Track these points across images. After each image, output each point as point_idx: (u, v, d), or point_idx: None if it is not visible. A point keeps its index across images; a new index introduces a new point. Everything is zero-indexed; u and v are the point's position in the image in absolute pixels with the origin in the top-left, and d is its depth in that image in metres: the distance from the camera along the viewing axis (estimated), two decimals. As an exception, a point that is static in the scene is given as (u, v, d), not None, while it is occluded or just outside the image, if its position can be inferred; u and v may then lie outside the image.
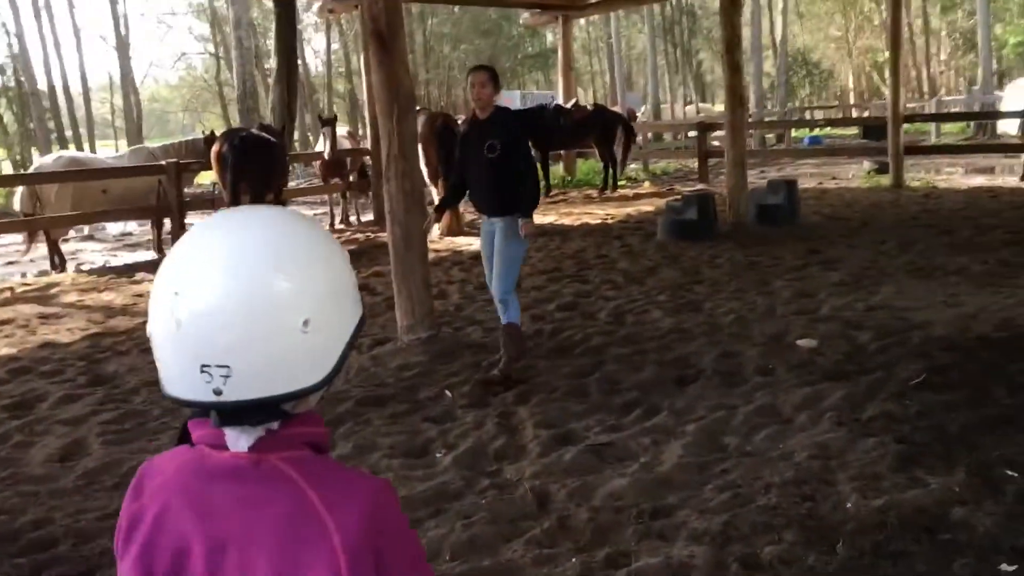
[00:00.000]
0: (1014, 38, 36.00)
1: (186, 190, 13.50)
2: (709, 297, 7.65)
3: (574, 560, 3.22)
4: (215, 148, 11.47)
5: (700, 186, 16.46)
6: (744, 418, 4.56)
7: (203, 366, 1.10)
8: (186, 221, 12.99)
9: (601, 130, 16.77)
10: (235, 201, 11.24)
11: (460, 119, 13.52)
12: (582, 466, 4.09)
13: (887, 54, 43.37)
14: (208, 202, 13.76)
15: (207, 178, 15.42)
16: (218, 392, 1.10)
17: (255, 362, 1.10)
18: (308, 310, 1.13)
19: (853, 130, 34.46)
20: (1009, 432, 4.11)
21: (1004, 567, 2.97)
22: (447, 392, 5.43)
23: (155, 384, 6.02)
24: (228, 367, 1.10)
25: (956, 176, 17.29)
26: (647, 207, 14.57)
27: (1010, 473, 3.65)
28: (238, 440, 1.15)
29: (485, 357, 6.16)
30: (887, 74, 45.71)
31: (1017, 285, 7.25)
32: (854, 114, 37.52)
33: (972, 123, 27.99)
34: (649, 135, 25.10)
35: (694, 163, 19.94)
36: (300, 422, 1.18)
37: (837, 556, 3.10)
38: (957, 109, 28.91)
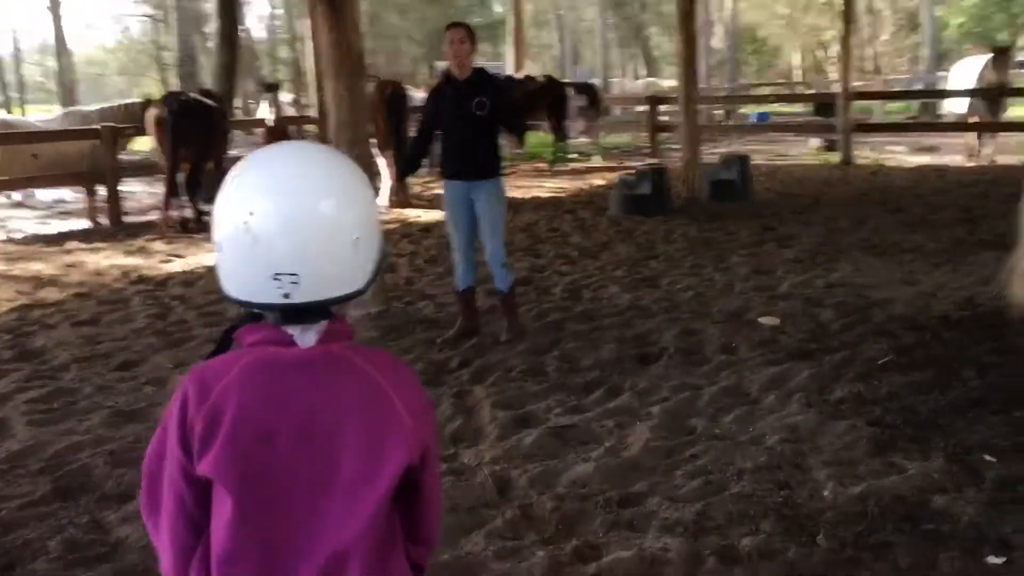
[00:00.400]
0: (955, 19, 36.51)
1: (122, 156, 12.96)
2: (665, 273, 7.50)
3: (540, 553, 3.01)
4: (153, 112, 10.97)
5: (651, 160, 16.33)
6: (710, 399, 4.39)
7: (276, 275, 1.33)
8: (120, 188, 12.47)
9: (552, 102, 16.48)
10: (174, 167, 10.78)
11: (409, 89, 13.17)
12: (544, 450, 3.89)
13: (832, 33, 43.69)
14: (145, 168, 13.24)
15: (145, 144, 14.81)
16: (287, 296, 1.34)
17: (319, 272, 1.35)
18: (358, 231, 1.38)
19: (798, 107, 34.71)
20: (981, 415, 4.01)
21: (992, 559, 2.84)
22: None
23: (86, 360, 5.68)
24: (297, 275, 1.33)
25: (901, 154, 17.40)
26: (598, 180, 14.40)
27: (988, 458, 3.53)
28: (304, 336, 1.38)
29: (438, 333, 5.92)
30: (831, 53, 46.03)
31: (973, 263, 7.21)
32: (799, 92, 37.71)
33: (916, 102, 28.31)
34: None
35: (644, 137, 19.81)
36: (340, 321, 1.43)
37: (818, 548, 2.95)
38: (900, 88, 29.22)
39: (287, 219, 1.32)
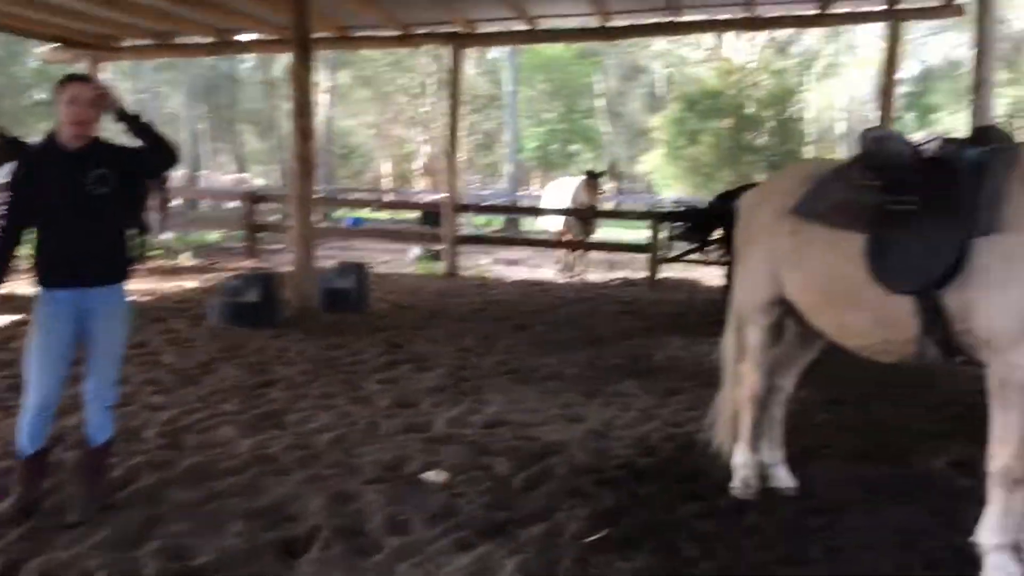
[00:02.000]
0: (532, 142, 39.71)
1: None
2: (291, 406, 6.11)
3: None
4: None
5: (250, 262, 14.80)
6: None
7: None
8: None
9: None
10: None
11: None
12: None
13: (414, 146, 45.30)
14: None
15: None
16: None
17: None
18: None
19: (385, 215, 35.21)
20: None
21: None
22: None
23: None
24: None
25: (490, 266, 17.62)
26: (190, 283, 12.56)
27: None
28: None
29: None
30: (415, 165, 47.76)
31: (623, 393, 6.75)
32: (386, 199, 38.34)
33: (501, 217, 29.94)
34: (183, 201, 22.79)
35: (237, 236, 18.22)
36: None
37: None
38: (480, 204, 30.67)
39: None
